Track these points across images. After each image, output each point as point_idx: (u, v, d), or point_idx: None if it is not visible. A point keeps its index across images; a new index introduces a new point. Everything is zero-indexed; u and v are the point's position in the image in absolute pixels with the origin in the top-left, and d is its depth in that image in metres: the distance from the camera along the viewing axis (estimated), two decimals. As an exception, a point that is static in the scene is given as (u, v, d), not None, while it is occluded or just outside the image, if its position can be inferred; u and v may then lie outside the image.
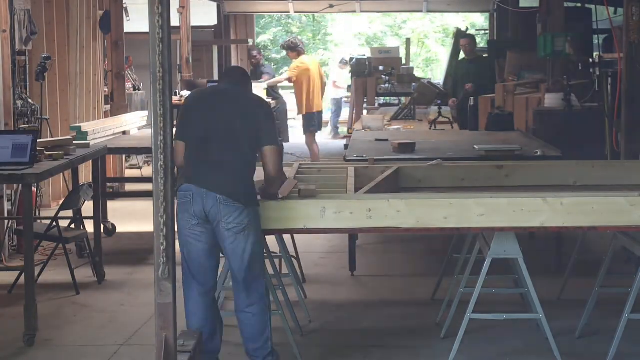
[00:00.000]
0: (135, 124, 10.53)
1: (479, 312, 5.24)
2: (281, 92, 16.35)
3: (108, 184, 10.38)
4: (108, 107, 11.99)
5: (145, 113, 11.21)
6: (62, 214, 6.94)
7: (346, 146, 8.75)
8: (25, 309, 5.67)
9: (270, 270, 5.72)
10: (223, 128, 4.84)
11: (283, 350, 5.35)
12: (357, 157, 7.12)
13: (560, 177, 6.25)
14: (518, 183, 6.21)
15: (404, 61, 17.21)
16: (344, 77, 19.85)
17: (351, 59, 16.48)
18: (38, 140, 6.43)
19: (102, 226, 8.07)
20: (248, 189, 4.86)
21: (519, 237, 5.19)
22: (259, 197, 4.94)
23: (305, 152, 13.53)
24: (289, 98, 16.34)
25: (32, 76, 9.38)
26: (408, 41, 20.23)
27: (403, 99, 15.73)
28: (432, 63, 30.04)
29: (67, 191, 8.87)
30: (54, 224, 6.82)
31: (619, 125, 8.58)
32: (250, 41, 19.82)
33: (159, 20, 4.06)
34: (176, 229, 4.47)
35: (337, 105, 20.36)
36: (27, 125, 8.24)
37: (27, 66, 9.32)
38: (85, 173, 10.25)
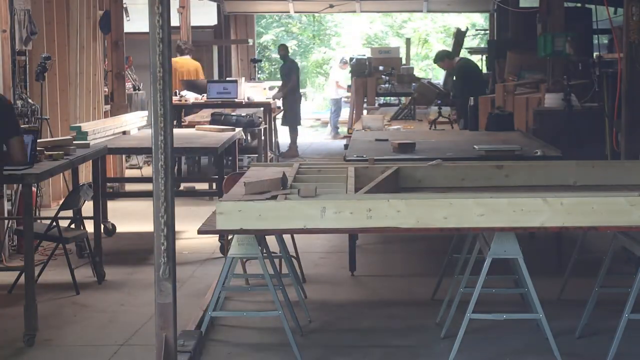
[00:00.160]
0: (135, 124, 10.54)
1: (479, 312, 5.23)
2: None
3: (108, 184, 10.38)
4: (108, 107, 11.99)
5: (145, 113, 11.21)
6: (62, 214, 6.94)
7: (346, 146, 8.75)
8: (25, 309, 5.67)
9: (270, 270, 5.72)
10: None
11: (283, 350, 5.36)
12: (357, 157, 7.12)
13: (560, 177, 6.25)
14: (518, 183, 6.20)
15: (404, 61, 17.23)
16: (344, 77, 19.88)
17: (351, 59, 16.50)
18: (38, 140, 6.43)
19: (102, 226, 8.07)
20: None
21: (519, 237, 5.19)
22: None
23: None
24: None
25: (32, 76, 9.38)
26: (408, 41, 20.26)
27: (403, 99, 15.75)
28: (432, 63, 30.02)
29: (67, 191, 8.87)
30: (54, 224, 6.81)
31: (619, 125, 8.58)
32: (250, 41, 19.83)
33: (159, 20, 4.07)
34: None
35: (337, 105, 20.37)
36: (27, 125, 8.22)
37: (27, 66, 9.31)
38: (85, 173, 10.25)
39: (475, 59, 17.18)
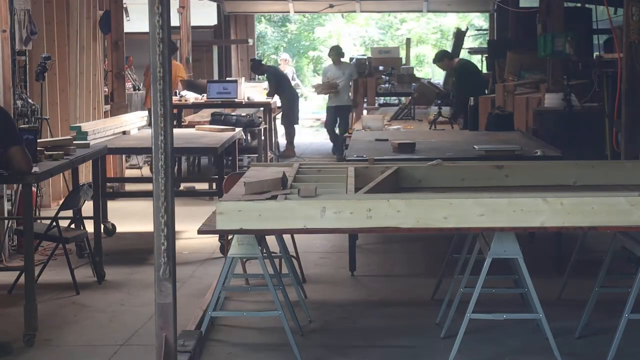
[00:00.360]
0: (135, 124, 10.55)
1: (479, 312, 5.23)
2: None
3: (108, 184, 10.38)
4: (108, 107, 11.99)
5: (145, 113, 11.22)
6: (62, 214, 6.94)
7: (346, 146, 8.75)
8: (25, 309, 5.67)
9: (270, 270, 5.72)
10: None
11: (283, 350, 5.36)
12: (357, 157, 7.12)
13: (560, 177, 6.25)
14: (518, 183, 6.20)
15: (404, 61, 17.23)
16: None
17: (351, 59, 16.51)
18: (38, 140, 6.43)
19: (102, 226, 8.07)
20: None
21: (519, 237, 5.19)
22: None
23: None
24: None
25: (32, 76, 9.38)
26: (408, 41, 20.24)
27: (403, 99, 15.76)
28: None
29: (67, 191, 8.87)
30: (54, 224, 6.81)
31: (619, 125, 8.58)
32: (250, 41, 19.84)
33: (159, 20, 4.07)
34: None
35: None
36: (27, 125, 8.23)
37: (27, 66, 9.32)
38: (85, 173, 10.25)
39: (475, 59, 17.20)
